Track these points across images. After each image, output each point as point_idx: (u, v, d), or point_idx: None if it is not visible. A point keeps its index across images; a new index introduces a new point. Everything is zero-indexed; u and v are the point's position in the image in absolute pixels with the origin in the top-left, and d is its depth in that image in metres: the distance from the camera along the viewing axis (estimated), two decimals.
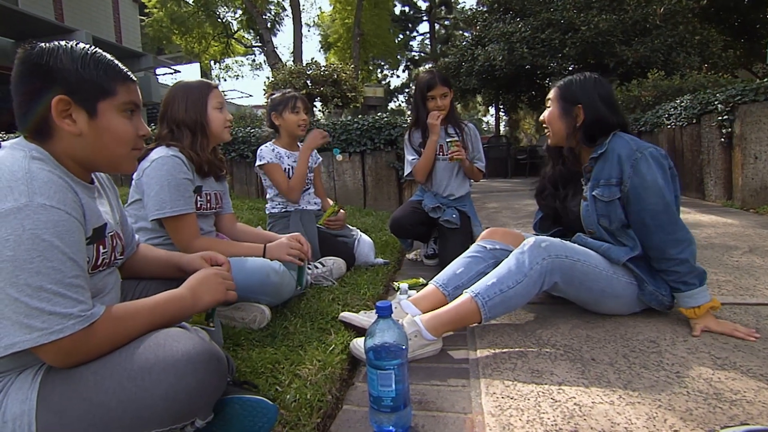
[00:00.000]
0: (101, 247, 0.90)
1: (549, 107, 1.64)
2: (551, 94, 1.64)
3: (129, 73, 0.93)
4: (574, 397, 1.11)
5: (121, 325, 0.83)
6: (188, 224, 1.53)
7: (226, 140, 1.68)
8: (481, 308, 1.34)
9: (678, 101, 5.37)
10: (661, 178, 1.44)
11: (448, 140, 2.36)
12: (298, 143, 2.48)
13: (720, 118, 4.37)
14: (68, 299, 0.75)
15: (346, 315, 1.55)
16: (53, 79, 0.83)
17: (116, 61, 0.91)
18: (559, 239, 1.49)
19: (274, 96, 2.40)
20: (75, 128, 0.85)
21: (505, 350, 1.39)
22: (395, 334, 0.99)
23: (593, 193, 1.54)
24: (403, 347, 0.99)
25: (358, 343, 1.35)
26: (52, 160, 0.84)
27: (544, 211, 1.81)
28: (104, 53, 0.90)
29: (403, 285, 1.78)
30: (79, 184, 0.87)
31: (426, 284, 2.07)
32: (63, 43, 0.86)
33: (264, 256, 1.64)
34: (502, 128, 20.98)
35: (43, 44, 0.85)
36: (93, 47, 0.89)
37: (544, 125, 1.69)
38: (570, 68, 10.07)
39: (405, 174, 2.57)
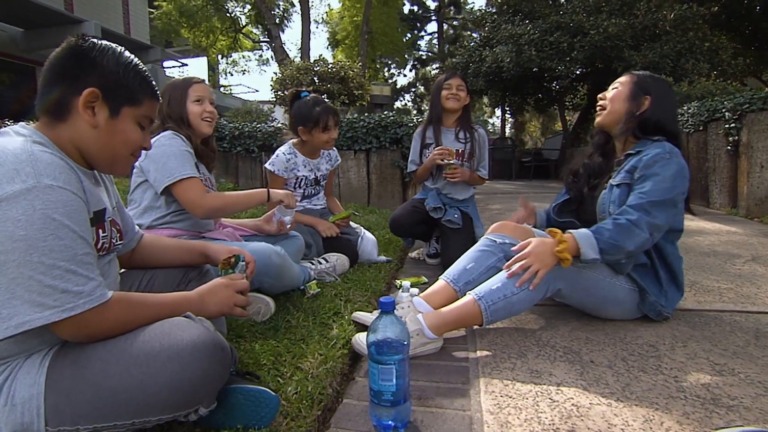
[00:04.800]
0: (101, 230, 0.92)
1: (616, 88, 1.62)
2: (623, 78, 1.62)
3: (157, 91, 0.98)
4: (572, 398, 1.12)
5: (131, 310, 0.85)
6: (195, 184, 1.58)
7: (205, 133, 1.73)
8: (484, 312, 1.34)
9: (685, 108, 5.36)
10: (672, 176, 1.43)
11: (445, 161, 2.30)
12: (321, 151, 2.41)
13: (727, 125, 4.36)
14: (80, 276, 0.77)
15: (359, 315, 1.56)
16: (93, 72, 0.88)
17: (151, 78, 0.97)
18: None
19: (300, 105, 2.25)
20: (93, 120, 0.88)
21: (504, 350, 1.41)
22: (397, 329, 1.00)
23: (612, 182, 1.56)
24: (405, 343, 1.01)
25: (361, 339, 1.36)
26: (53, 144, 0.86)
27: (571, 194, 1.79)
28: (144, 67, 0.96)
29: (406, 283, 1.79)
30: (80, 168, 0.90)
31: (427, 283, 2.09)
32: (114, 45, 0.92)
33: (269, 199, 1.76)
34: (507, 130, 20.95)
35: (95, 40, 0.90)
36: (136, 58, 0.95)
37: (600, 102, 1.65)
38: (578, 71, 10.05)
39: (408, 170, 2.62)
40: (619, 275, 1.49)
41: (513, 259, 1.40)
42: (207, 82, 1.83)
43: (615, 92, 1.61)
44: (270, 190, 1.78)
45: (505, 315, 1.39)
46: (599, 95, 1.68)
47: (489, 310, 1.34)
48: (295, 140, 2.34)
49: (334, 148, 2.53)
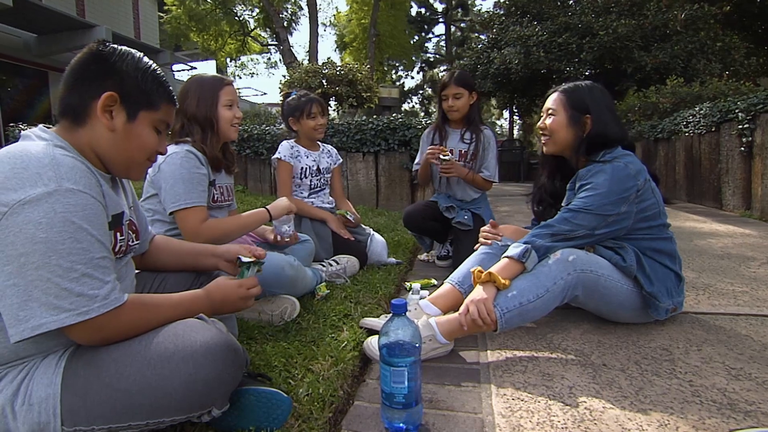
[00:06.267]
0: (119, 233, 0.94)
1: (552, 114, 1.57)
2: (554, 101, 1.58)
3: (175, 96, 1.00)
4: (585, 402, 1.11)
5: (145, 312, 0.86)
6: (196, 214, 1.55)
7: (232, 139, 1.70)
8: (499, 319, 1.32)
9: (697, 108, 5.30)
10: (606, 182, 1.41)
11: (442, 156, 2.27)
12: (319, 143, 2.51)
13: (740, 126, 4.30)
14: (96, 280, 0.78)
15: (367, 321, 1.56)
16: (112, 76, 0.89)
17: (169, 83, 0.98)
18: (584, 251, 1.46)
19: (289, 99, 2.41)
20: (111, 124, 0.90)
21: (516, 353, 1.40)
22: (409, 332, 1.00)
23: (564, 204, 1.55)
24: (417, 345, 1.00)
25: (372, 344, 1.36)
26: (73, 148, 0.88)
27: (539, 221, 1.77)
28: (162, 73, 0.98)
29: (415, 285, 1.79)
30: (98, 172, 0.91)
31: (437, 285, 2.09)
32: (133, 51, 0.94)
33: (271, 219, 1.74)
34: (515, 132, 20.87)
35: (115, 45, 0.92)
36: (155, 65, 0.97)
37: (543, 132, 1.63)
38: (586, 73, 9.99)
39: (413, 169, 2.63)
40: (629, 278, 1.47)
41: (461, 313, 1.35)
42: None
43: (553, 120, 1.57)
44: (269, 207, 1.75)
45: (520, 322, 1.37)
46: (539, 125, 1.65)
47: (504, 317, 1.32)
48: (295, 139, 2.46)
49: (334, 149, 2.62)
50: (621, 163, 1.45)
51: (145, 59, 0.95)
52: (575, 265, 1.39)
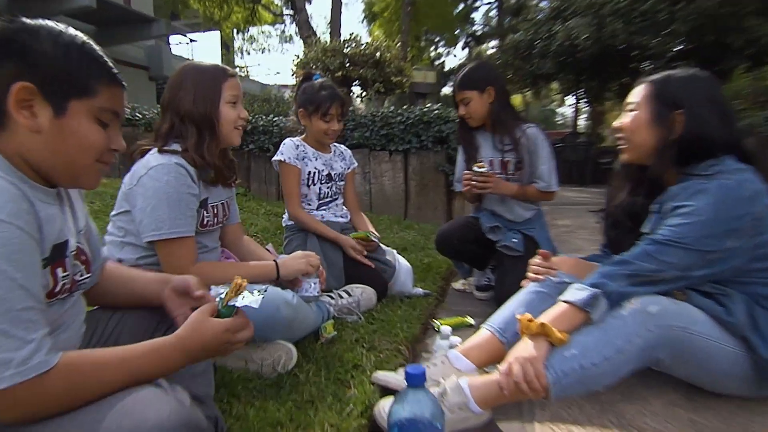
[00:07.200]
0: (60, 269, 0.89)
1: (633, 110, 1.51)
2: (638, 94, 1.52)
3: (119, 76, 0.93)
4: None
5: (81, 378, 0.81)
6: (185, 248, 1.51)
7: (234, 144, 1.65)
8: (552, 385, 1.24)
9: None
10: (711, 206, 1.30)
11: (476, 168, 2.25)
12: (330, 146, 2.48)
13: None
14: (12, 339, 0.73)
15: (381, 375, 1.48)
16: (24, 62, 0.83)
17: (108, 60, 0.92)
18: (670, 299, 1.35)
19: (307, 85, 2.36)
20: (33, 123, 0.84)
21: (573, 429, 1.32)
22: (428, 408, 0.94)
23: (643, 229, 1.47)
24: (439, 426, 0.94)
25: (385, 410, 1.29)
26: (4, 161, 0.83)
27: (613, 249, 1.66)
28: (97, 47, 0.91)
29: (445, 327, 1.74)
30: (37, 188, 0.87)
31: (474, 326, 2.01)
32: (52, 24, 0.87)
33: (278, 277, 1.64)
34: (581, 123, 20.47)
35: (27, 20, 0.86)
36: (86, 37, 0.90)
37: (619, 135, 1.56)
38: (677, 49, 9.63)
39: (456, 190, 2.61)
40: (735, 337, 1.34)
41: (502, 373, 1.27)
42: (220, 62, 1.70)
43: (633, 118, 1.51)
44: (280, 264, 1.66)
45: (580, 390, 1.29)
46: (614, 124, 1.58)
47: (560, 384, 1.24)
48: (303, 136, 2.44)
49: (348, 150, 2.60)
50: (732, 180, 1.33)
51: (70, 32, 0.88)
52: (658, 319, 1.29)
